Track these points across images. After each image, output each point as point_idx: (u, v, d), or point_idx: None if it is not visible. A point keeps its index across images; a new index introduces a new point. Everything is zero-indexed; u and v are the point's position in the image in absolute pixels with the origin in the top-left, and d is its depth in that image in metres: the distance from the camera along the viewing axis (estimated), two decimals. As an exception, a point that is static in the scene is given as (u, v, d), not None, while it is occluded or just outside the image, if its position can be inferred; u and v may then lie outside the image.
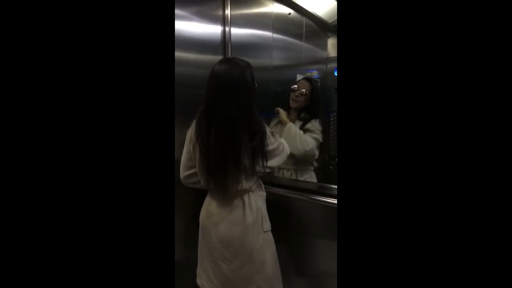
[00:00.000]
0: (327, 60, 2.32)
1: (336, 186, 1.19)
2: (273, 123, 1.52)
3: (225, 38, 1.33)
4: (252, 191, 1.04)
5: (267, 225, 1.07)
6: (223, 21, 1.32)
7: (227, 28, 1.32)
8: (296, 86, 1.45)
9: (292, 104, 1.46)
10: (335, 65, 2.30)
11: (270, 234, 1.08)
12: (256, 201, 1.05)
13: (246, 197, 1.02)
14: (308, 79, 1.48)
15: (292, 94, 1.46)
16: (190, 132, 1.01)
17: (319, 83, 1.60)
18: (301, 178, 1.44)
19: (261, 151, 0.95)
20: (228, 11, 1.32)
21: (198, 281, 1.11)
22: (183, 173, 1.06)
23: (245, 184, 0.98)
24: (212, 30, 1.29)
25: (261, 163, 0.97)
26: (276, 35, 1.66)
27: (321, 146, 1.43)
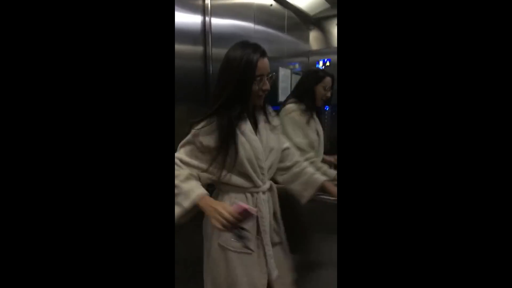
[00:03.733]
0: (309, 53, 2.33)
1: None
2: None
3: (205, 28, 1.29)
4: (218, 187, 0.97)
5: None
6: (203, 11, 1.28)
7: (207, 18, 1.28)
8: (328, 85, 1.42)
9: (320, 104, 1.45)
10: (317, 58, 2.30)
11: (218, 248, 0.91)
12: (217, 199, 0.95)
13: (216, 191, 0.98)
14: (331, 75, 1.45)
15: (323, 92, 1.43)
16: None
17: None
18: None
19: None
20: (208, 1, 1.28)
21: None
22: None
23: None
24: (192, 20, 1.24)
25: None
26: (258, 27, 1.64)
27: None
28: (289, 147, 1.06)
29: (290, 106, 1.43)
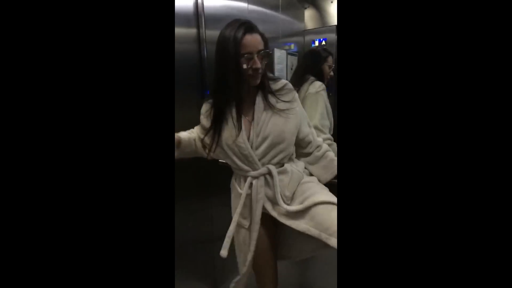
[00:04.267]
0: (305, 32, 2.28)
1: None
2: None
3: (198, 9, 1.26)
4: None
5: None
6: (195, -9, 1.24)
7: (199, 0, 1.25)
8: (332, 64, 1.43)
9: (326, 83, 1.44)
10: (312, 37, 2.26)
11: None
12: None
13: None
14: (332, 54, 1.45)
15: (328, 71, 1.43)
16: None
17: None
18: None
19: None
20: (200, -20, 1.24)
21: None
22: None
23: None
24: (184, 1, 1.21)
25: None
26: (251, 7, 1.60)
27: None
28: (308, 134, 1.02)
29: (320, 84, 1.39)
